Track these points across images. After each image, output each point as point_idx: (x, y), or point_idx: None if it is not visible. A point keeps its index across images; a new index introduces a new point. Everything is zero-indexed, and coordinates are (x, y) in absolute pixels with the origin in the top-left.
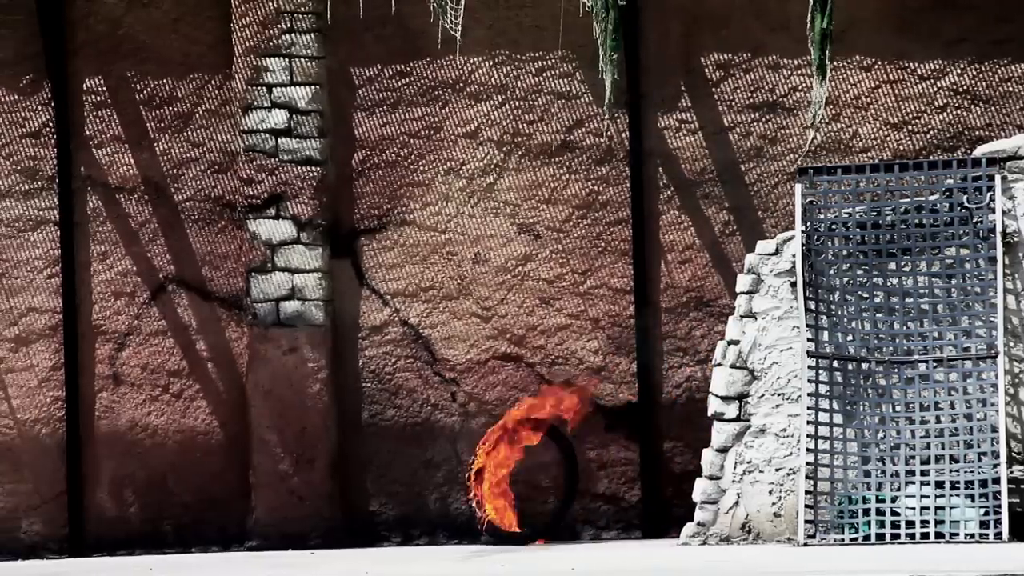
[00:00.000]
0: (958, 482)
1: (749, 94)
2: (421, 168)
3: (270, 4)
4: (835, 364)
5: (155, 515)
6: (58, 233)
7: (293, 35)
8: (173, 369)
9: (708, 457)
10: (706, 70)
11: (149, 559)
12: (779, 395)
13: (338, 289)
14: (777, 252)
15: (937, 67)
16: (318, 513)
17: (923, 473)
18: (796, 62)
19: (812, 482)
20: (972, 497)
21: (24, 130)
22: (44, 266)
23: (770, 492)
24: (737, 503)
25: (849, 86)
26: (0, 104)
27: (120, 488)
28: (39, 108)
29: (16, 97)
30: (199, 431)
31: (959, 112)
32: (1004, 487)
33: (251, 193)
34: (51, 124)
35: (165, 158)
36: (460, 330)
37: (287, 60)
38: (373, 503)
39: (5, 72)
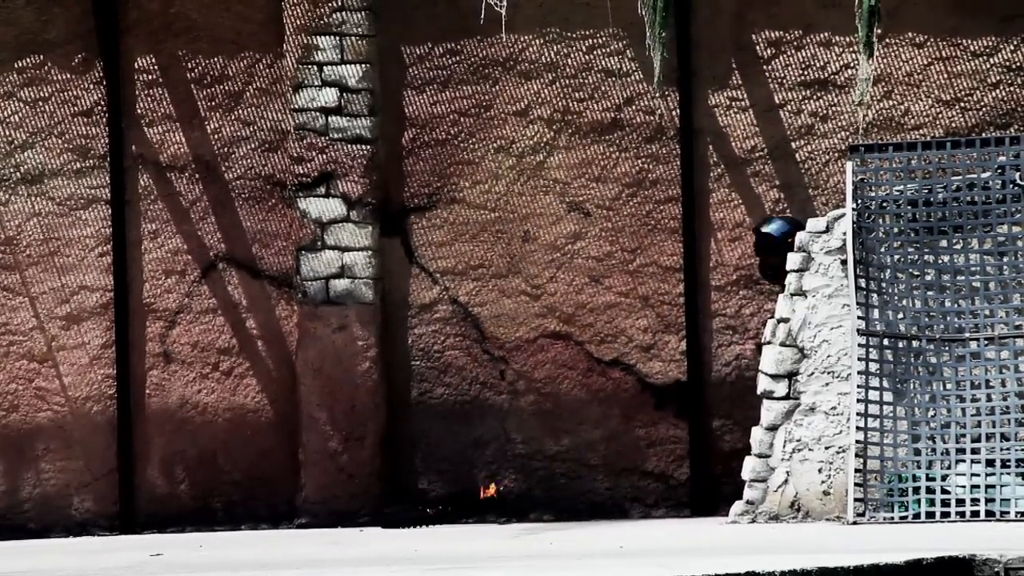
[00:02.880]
0: (1008, 460)
1: (800, 71)
2: (471, 146)
3: None
4: (885, 342)
5: (205, 492)
6: (110, 211)
7: (344, 13)
8: (223, 347)
9: (757, 435)
10: (757, 47)
11: (199, 536)
12: (829, 373)
13: (388, 267)
14: (828, 230)
15: (990, 44)
16: (367, 490)
17: (973, 451)
18: (848, 39)
19: (862, 460)
20: (1022, 475)
21: (76, 109)
22: (96, 244)
23: (819, 470)
24: (786, 481)
25: (901, 63)
26: (52, 83)
27: (170, 466)
28: (91, 87)
29: (68, 76)
30: (249, 409)
31: (1012, 89)
32: None
33: (301, 171)
34: (103, 103)
35: (216, 136)
36: (509, 308)
37: (338, 38)
38: (422, 481)
39: (57, 51)
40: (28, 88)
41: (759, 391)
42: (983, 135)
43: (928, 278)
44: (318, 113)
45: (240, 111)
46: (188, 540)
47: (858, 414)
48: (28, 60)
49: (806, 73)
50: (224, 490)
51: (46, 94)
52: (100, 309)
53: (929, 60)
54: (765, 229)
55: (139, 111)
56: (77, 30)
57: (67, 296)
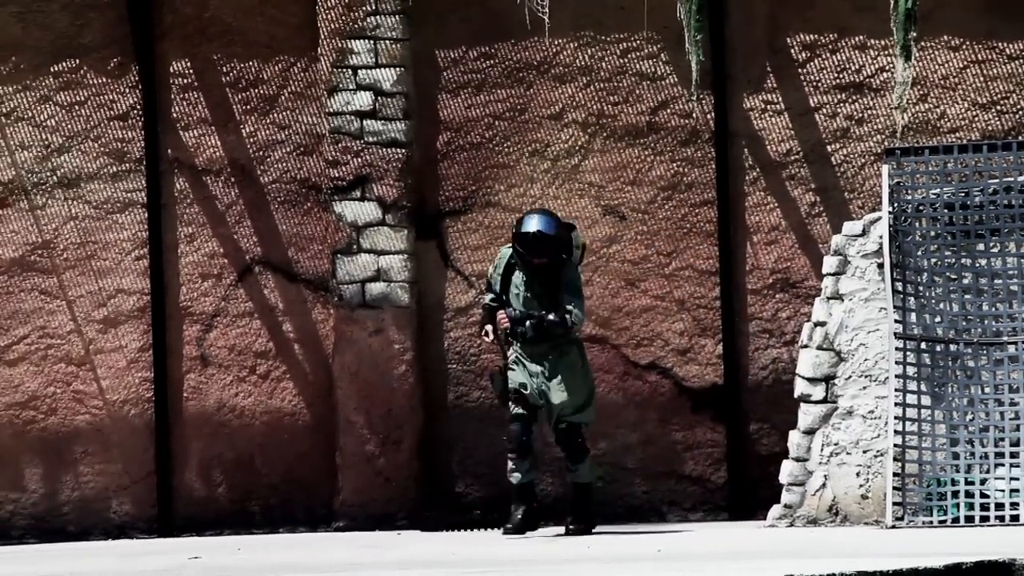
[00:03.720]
0: None
1: (835, 74)
2: (506, 150)
3: None
4: (923, 346)
5: (243, 496)
6: (146, 215)
7: (378, 17)
8: (260, 350)
9: (795, 439)
10: (792, 50)
11: (237, 539)
12: (866, 377)
13: (423, 271)
14: (864, 233)
15: None
16: (404, 494)
17: (1012, 455)
18: (883, 42)
19: (900, 464)
20: None
21: (112, 112)
22: (132, 248)
23: (857, 474)
24: (824, 485)
25: (937, 66)
26: (88, 87)
27: (208, 469)
28: (127, 91)
29: (104, 80)
30: (286, 412)
31: None
32: None
33: (337, 175)
34: (138, 106)
35: (251, 140)
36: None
37: (372, 42)
38: (459, 484)
39: (93, 55)
40: (64, 92)
41: (796, 395)
42: (1020, 138)
43: (965, 281)
44: (353, 117)
45: (275, 115)
46: (226, 543)
47: (896, 418)
48: (64, 64)
49: (841, 76)
50: (262, 493)
51: (82, 98)
52: (137, 312)
53: (965, 63)
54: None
55: (175, 115)
56: (113, 34)
57: (104, 299)
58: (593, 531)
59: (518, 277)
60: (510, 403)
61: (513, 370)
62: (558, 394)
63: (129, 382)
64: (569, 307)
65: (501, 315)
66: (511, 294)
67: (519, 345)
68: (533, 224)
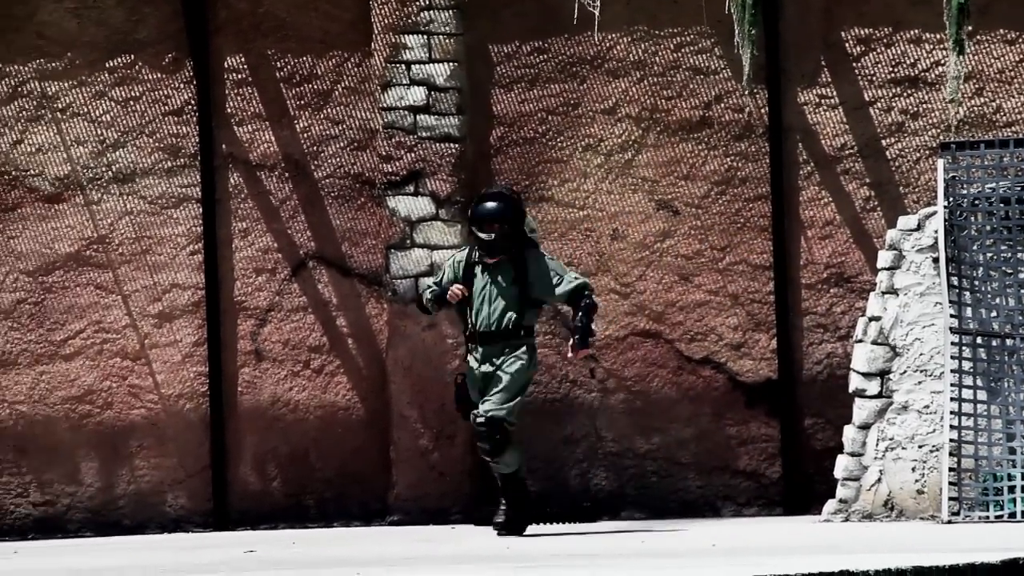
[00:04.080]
0: None
1: (890, 68)
2: (559, 144)
3: None
4: (979, 340)
5: (297, 490)
6: (200, 210)
7: (431, 12)
8: (314, 345)
9: (850, 434)
10: (846, 44)
11: (292, 533)
12: (921, 371)
13: None
14: (919, 228)
15: None
16: (458, 488)
17: None
18: (938, 36)
19: (956, 459)
20: None
21: (167, 108)
22: (187, 243)
23: (913, 469)
24: (879, 480)
25: (992, 60)
26: (143, 82)
27: (263, 463)
28: (181, 86)
29: (159, 75)
30: (340, 407)
31: None
32: None
33: (390, 170)
34: (193, 102)
35: (305, 135)
36: (599, 306)
37: (425, 37)
38: None
39: (148, 51)
40: (119, 87)
41: (851, 389)
42: None
43: (1022, 276)
44: (406, 112)
45: (329, 110)
46: (281, 537)
47: (952, 412)
48: (119, 60)
49: (896, 70)
50: (316, 487)
51: (137, 93)
52: (192, 307)
53: (1021, 57)
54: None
55: (229, 110)
56: (167, 30)
57: (159, 294)
58: (525, 521)
59: (480, 281)
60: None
61: (467, 380)
62: (492, 387)
63: (184, 376)
64: (573, 282)
65: (455, 288)
66: (476, 301)
67: (474, 349)
68: (488, 199)
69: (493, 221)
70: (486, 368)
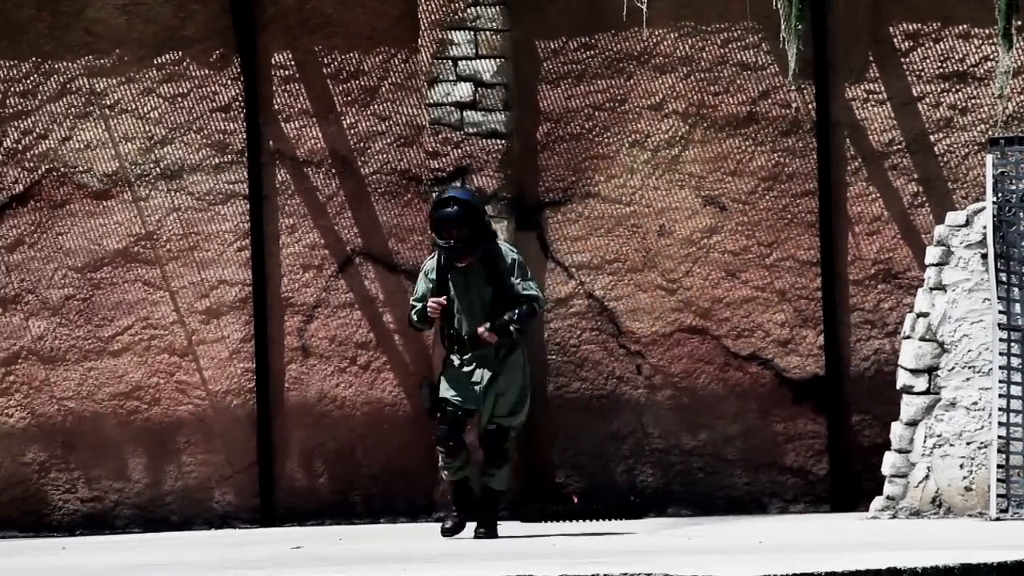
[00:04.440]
0: None
1: (939, 63)
2: (606, 140)
3: None
4: None
5: (344, 486)
6: (247, 206)
7: (478, 8)
8: (360, 341)
9: (897, 430)
10: (895, 39)
11: (338, 529)
12: (970, 368)
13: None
14: (967, 224)
15: None
16: None
17: None
18: (987, 31)
19: (1004, 456)
20: None
21: (214, 104)
22: (234, 239)
23: (961, 466)
24: (927, 477)
25: None
26: (191, 79)
27: (309, 459)
28: (229, 82)
29: (206, 72)
30: (386, 403)
31: None
32: None
33: (436, 166)
34: (240, 98)
35: (352, 131)
36: (645, 303)
37: (472, 33)
38: (559, 475)
39: (196, 47)
40: (167, 84)
41: (898, 386)
42: None
43: None
44: (453, 108)
45: (376, 106)
46: (327, 533)
47: (1000, 409)
48: (167, 56)
49: (945, 65)
50: (363, 483)
51: (185, 90)
52: (239, 303)
53: None
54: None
55: (276, 106)
56: (215, 26)
57: (207, 290)
58: (497, 537)
59: (455, 286)
60: (439, 412)
61: (443, 379)
62: (504, 398)
63: (231, 373)
64: (529, 291)
65: (433, 302)
66: (456, 307)
67: (460, 353)
68: (444, 204)
69: (451, 226)
70: (478, 371)
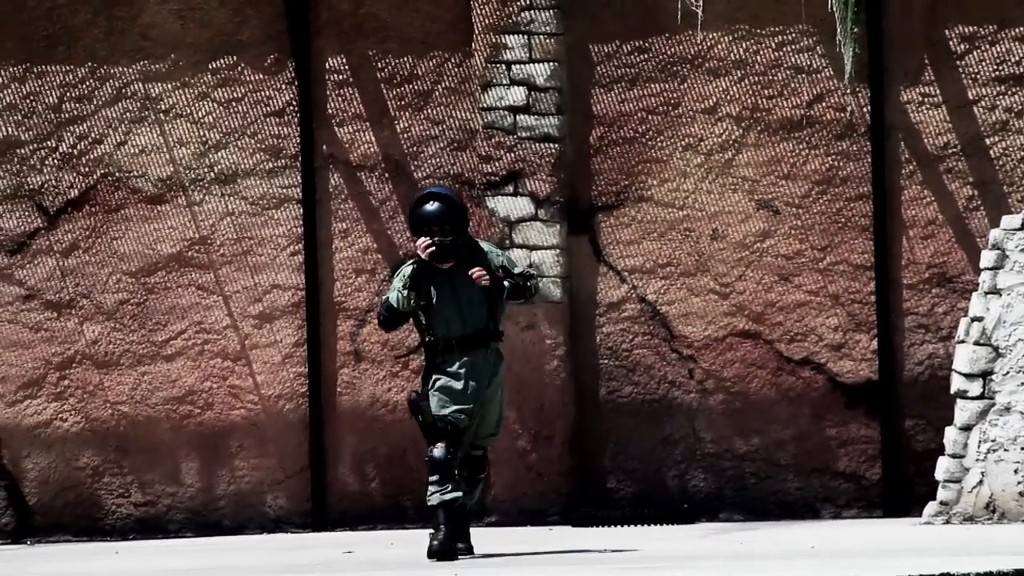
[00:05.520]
0: None
1: (995, 66)
2: (659, 144)
3: None
4: None
5: (396, 490)
6: (301, 211)
7: (532, 12)
8: (413, 346)
9: (951, 435)
10: (950, 42)
11: (390, 534)
12: None
13: (575, 266)
14: (1023, 227)
15: None
16: (556, 489)
17: None
18: None
19: None
20: None
21: (268, 109)
22: (287, 243)
23: (1015, 471)
24: (981, 482)
25: None
26: (246, 83)
27: (361, 463)
28: (283, 87)
29: (261, 76)
30: None
31: None
32: None
33: (489, 170)
34: (294, 103)
35: (405, 136)
36: (698, 307)
37: (526, 37)
38: (611, 480)
39: (251, 52)
40: (222, 89)
41: (952, 390)
42: None
43: None
44: (506, 112)
45: (429, 110)
46: (379, 538)
47: None
48: (222, 61)
49: (1001, 68)
50: (414, 488)
51: (239, 94)
52: (292, 308)
53: None
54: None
55: (330, 111)
56: (270, 31)
57: (260, 295)
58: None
59: (439, 290)
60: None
61: (434, 395)
62: (491, 407)
63: (284, 377)
64: (526, 270)
65: (423, 240)
66: (442, 311)
67: (449, 361)
68: (425, 201)
69: (433, 225)
70: (468, 380)
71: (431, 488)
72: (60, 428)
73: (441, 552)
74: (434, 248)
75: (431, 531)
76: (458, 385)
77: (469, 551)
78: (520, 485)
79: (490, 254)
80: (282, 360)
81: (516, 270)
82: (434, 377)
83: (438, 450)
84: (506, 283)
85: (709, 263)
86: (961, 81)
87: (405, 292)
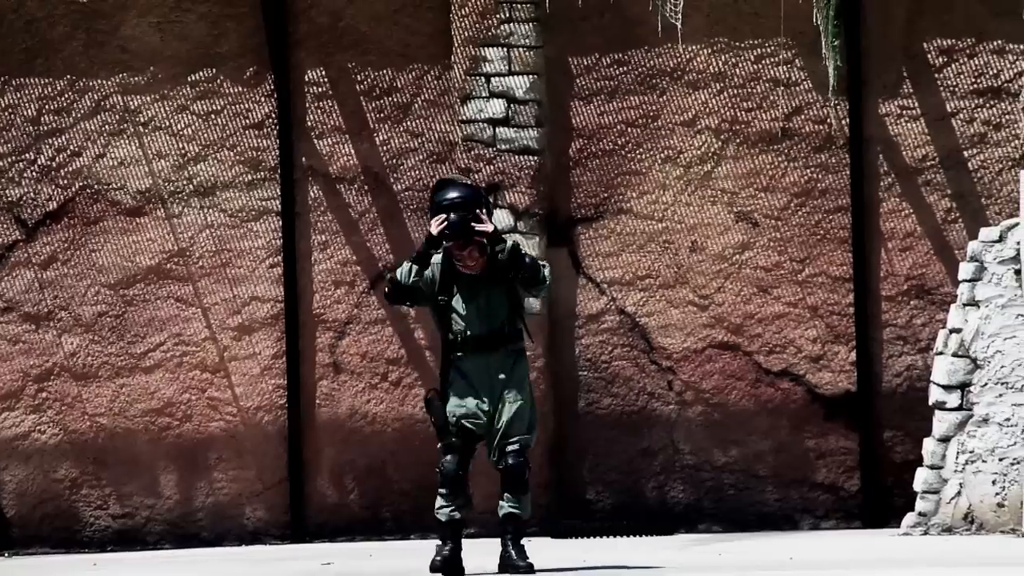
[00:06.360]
0: None
1: (973, 79)
2: (638, 157)
3: None
4: None
5: (375, 502)
6: (280, 223)
7: (511, 25)
8: (392, 357)
9: (929, 446)
10: (929, 55)
11: (369, 545)
12: (1003, 384)
13: (555, 277)
14: (1001, 239)
15: None
16: (535, 501)
17: None
18: (1021, 47)
19: None
20: None
21: (247, 121)
22: (266, 255)
23: (993, 482)
24: (959, 493)
25: None
26: (224, 96)
27: (340, 475)
28: (262, 99)
29: (240, 89)
30: (417, 419)
31: None
32: None
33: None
34: (273, 115)
35: (384, 148)
36: (677, 319)
37: (505, 50)
38: (590, 491)
39: (230, 64)
40: (200, 101)
41: (931, 402)
42: None
43: None
44: (486, 124)
45: (408, 123)
46: (358, 549)
47: None
48: (201, 74)
49: (979, 81)
50: (393, 500)
51: (218, 107)
52: (271, 320)
53: None
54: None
55: (309, 123)
56: (248, 44)
57: (239, 307)
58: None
59: (461, 285)
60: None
61: (449, 396)
62: (510, 408)
63: (263, 389)
64: (541, 261)
65: (438, 219)
66: (460, 306)
67: (462, 358)
68: (447, 187)
69: (454, 210)
70: (481, 380)
71: (439, 501)
72: (38, 440)
73: (444, 567)
74: (446, 223)
75: (437, 543)
76: (470, 385)
77: (529, 569)
78: (499, 497)
79: (506, 252)
80: (261, 372)
81: (527, 258)
82: (450, 376)
83: (449, 463)
84: (508, 241)
85: (688, 275)
86: (940, 94)
87: (408, 266)
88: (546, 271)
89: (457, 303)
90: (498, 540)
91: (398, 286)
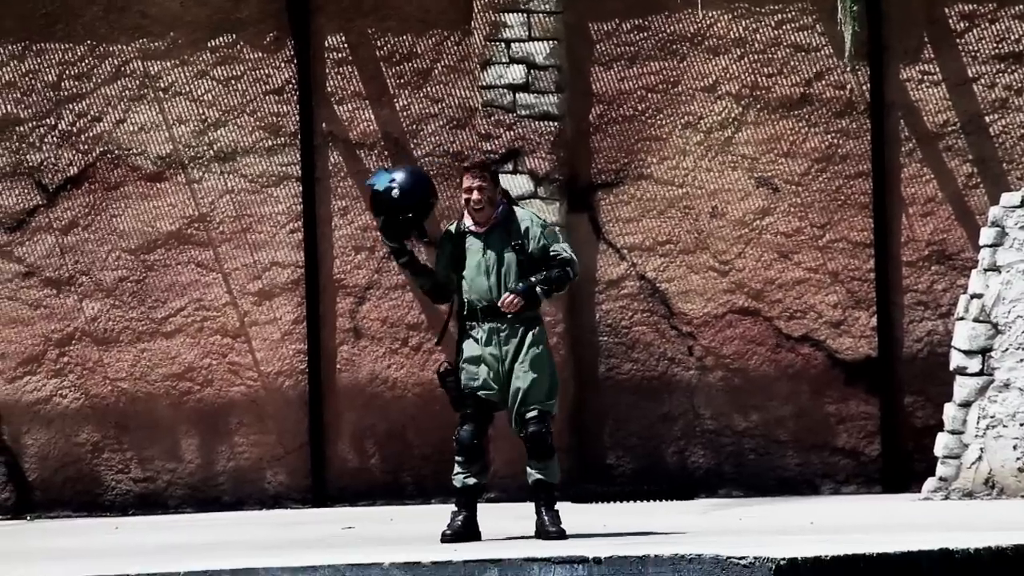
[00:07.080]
0: None
1: (994, 44)
2: (658, 122)
3: None
4: None
5: (395, 467)
6: (300, 189)
7: None
8: (412, 323)
9: (950, 412)
10: (950, 20)
11: (389, 510)
12: (1023, 349)
13: (575, 243)
14: (1022, 204)
15: None
16: None
17: None
18: None
19: None
20: None
21: (268, 87)
22: (287, 221)
23: (1014, 447)
24: (980, 458)
25: None
26: (245, 62)
27: (361, 440)
28: (282, 65)
29: (260, 55)
30: (437, 384)
31: None
32: None
33: (489, 148)
34: (294, 81)
35: (404, 114)
36: (697, 284)
37: (525, 15)
38: (610, 456)
39: (250, 30)
40: (221, 67)
41: (952, 367)
42: None
43: None
44: (506, 90)
45: (428, 88)
46: (379, 513)
47: None
48: (221, 39)
49: (1000, 46)
50: (414, 464)
51: (238, 73)
52: (291, 285)
53: None
54: (373, 184)
55: (329, 89)
56: (269, 9)
57: (259, 272)
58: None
59: (473, 251)
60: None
61: (463, 368)
62: (525, 376)
63: (283, 354)
64: (562, 254)
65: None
66: (471, 273)
67: (474, 325)
68: (377, 184)
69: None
70: (492, 350)
71: (456, 468)
72: (60, 404)
73: (455, 534)
74: (380, 230)
75: (452, 510)
76: (481, 353)
77: (560, 534)
78: (520, 461)
79: (530, 227)
80: (281, 337)
81: (553, 250)
82: (463, 346)
83: (465, 431)
84: (539, 289)
85: (708, 240)
86: (961, 59)
87: (407, 272)
88: (574, 268)
89: (468, 272)
90: (519, 504)
91: (429, 292)
